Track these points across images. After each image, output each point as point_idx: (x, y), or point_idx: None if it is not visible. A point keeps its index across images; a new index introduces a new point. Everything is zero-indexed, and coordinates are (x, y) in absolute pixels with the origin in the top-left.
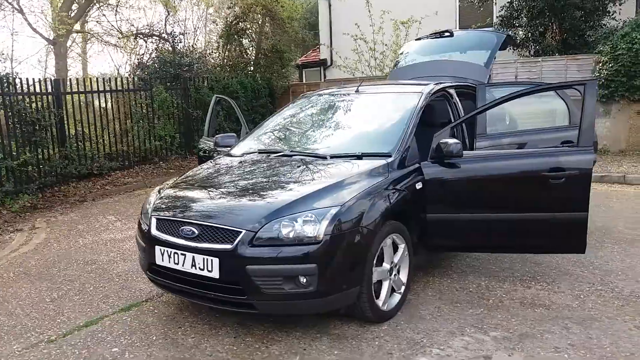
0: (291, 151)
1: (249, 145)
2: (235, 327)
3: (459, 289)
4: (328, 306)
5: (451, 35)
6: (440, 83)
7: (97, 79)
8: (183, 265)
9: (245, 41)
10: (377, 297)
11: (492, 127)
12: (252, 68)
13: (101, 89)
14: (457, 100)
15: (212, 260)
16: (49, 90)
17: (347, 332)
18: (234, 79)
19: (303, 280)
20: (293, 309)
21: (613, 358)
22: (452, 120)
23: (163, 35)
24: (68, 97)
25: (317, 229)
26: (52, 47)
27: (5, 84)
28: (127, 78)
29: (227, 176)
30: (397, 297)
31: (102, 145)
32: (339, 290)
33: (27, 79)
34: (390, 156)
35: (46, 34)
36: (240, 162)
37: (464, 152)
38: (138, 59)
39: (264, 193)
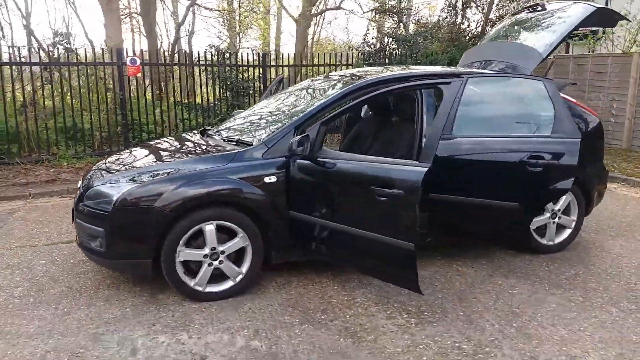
0: (216, 132)
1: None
2: (100, 271)
3: (325, 297)
4: (119, 269)
5: (543, 9)
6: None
7: (307, 53)
8: None
9: (469, 12)
10: (195, 276)
11: (474, 128)
12: (476, 41)
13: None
14: (423, 94)
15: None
16: (256, 63)
17: (165, 300)
18: (446, 53)
19: (99, 240)
20: (98, 264)
21: None
22: (416, 117)
23: (394, 9)
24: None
25: (113, 200)
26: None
27: (217, 56)
28: (338, 53)
29: (156, 148)
30: (228, 284)
31: None
32: (126, 257)
33: (235, 53)
34: (249, 145)
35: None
36: (188, 139)
37: (325, 150)
38: (363, 37)
39: (131, 163)
